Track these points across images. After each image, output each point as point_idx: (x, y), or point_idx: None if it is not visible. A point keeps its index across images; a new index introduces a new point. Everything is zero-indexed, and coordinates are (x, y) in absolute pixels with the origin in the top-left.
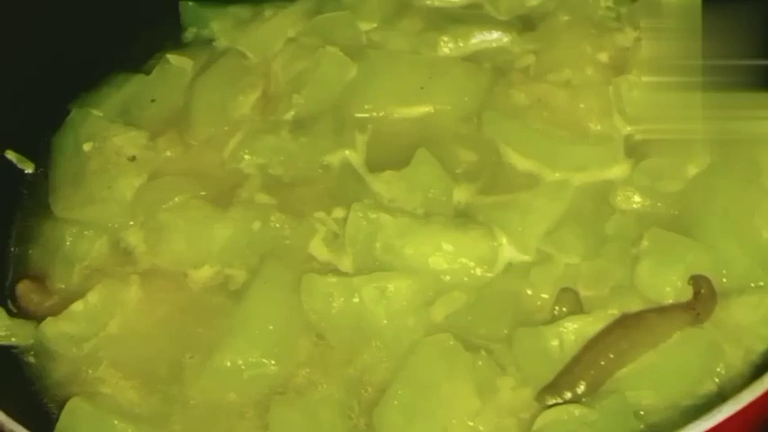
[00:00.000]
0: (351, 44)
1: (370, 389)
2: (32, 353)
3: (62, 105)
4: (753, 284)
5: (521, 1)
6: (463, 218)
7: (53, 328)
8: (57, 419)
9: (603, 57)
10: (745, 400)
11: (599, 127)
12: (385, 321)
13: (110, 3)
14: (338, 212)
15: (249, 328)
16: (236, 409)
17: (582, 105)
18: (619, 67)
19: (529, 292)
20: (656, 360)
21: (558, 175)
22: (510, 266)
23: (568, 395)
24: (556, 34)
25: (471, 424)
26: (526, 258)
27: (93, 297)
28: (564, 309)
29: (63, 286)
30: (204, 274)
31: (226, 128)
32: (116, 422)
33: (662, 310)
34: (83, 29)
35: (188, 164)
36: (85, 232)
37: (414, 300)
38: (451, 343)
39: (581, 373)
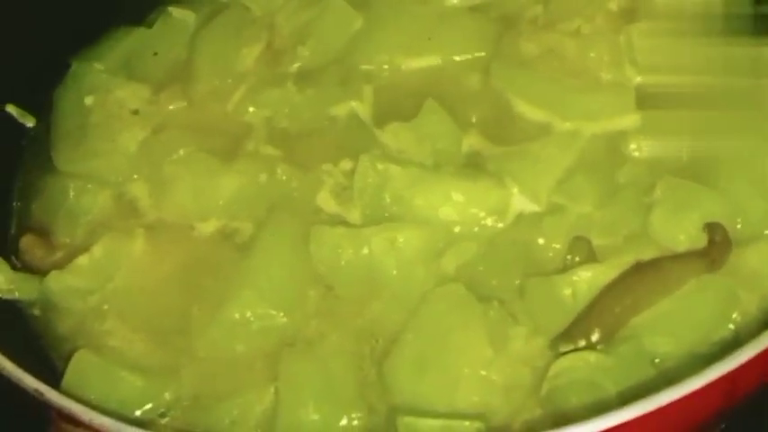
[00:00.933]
0: None
1: (380, 340)
2: (37, 306)
3: (63, 59)
4: (767, 231)
5: None
6: (473, 168)
7: (58, 282)
8: (63, 373)
9: (614, 5)
10: (761, 345)
11: (610, 76)
12: (395, 272)
13: None
14: (346, 164)
15: (257, 279)
16: (245, 361)
17: (592, 54)
18: (629, 16)
19: (541, 241)
20: (672, 307)
21: (568, 124)
22: (521, 216)
23: (582, 343)
24: None
25: (484, 373)
26: (537, 208)
27: (98, 250)
28: (577, 258)
29: (67, 240)
30: (210, 226)
31: (230, 80)
32: (124, 373)
33: (677, 258)
34: None
35: (192, 117)
36: (89, 186)
37: (424, 250)
38: (463, 293)
39: (595, 320)
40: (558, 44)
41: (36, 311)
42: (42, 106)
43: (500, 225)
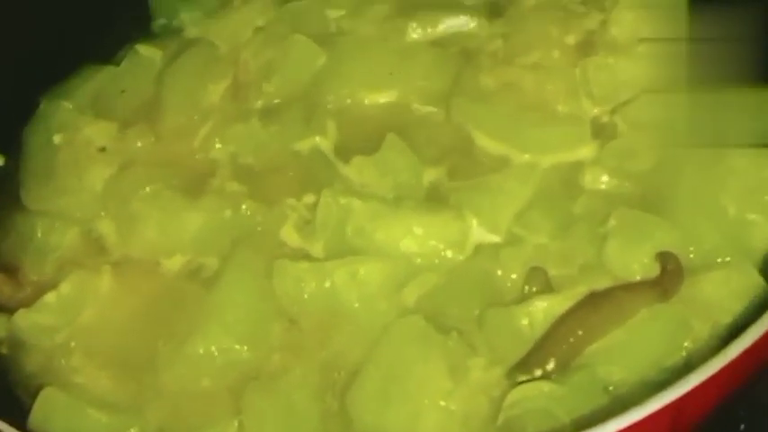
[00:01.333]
0: (320, 32)
1: (343, 372)
2: (5, 344)
3: (32, 97)
4: (719, 260)
5: None
6: (433, 201)
7: (26, 320)
8: (30, 410)
9: (570, 39)
10: (710, 371)
11: (566, 108)
12: (357, 305)
13: None
14: (309, 198)
15: (222, 314)
16: (209, 395)
17: (549, 87)
18: (585, 50)
19: (499, 272)
20: (625, 336)
21: (526, 156)
22: (480, 248)
23: (539, 372)
24: (523, 18)
25: (443, 404)
26: (496, 239)
27: (65, 288)
28: (534, 288)
29: (35, 278)
30: (177, 262)
31: (196, 117)
32: (90, 410)
33: (629, 287)
34: (52, 20)
35: (159, 154)
36: (57, 224)
37: (385, 283)
38: (422, 325)
39: (550, 349)
40: (517, 78)
41: (3, 349)
42: (11, 144)
43: (460, 257)
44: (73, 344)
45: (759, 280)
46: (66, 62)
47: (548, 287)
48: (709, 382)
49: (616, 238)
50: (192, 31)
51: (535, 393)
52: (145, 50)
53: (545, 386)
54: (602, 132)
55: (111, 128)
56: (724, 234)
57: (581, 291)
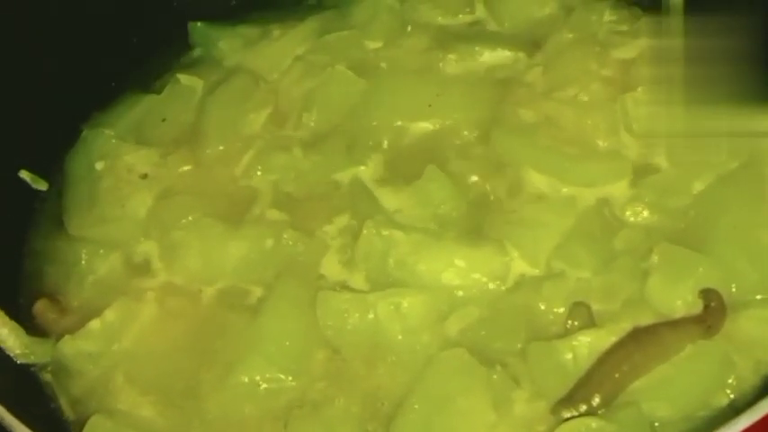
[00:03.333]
0: (359, 63)
1: (386, 403)
2: (49, 370)
3: (75, 125)
4: (761, 297)
5: (525, 18)
6: (474, 233)
7: (71, 347)
8: None
9: (608, 73)
10: (760, 412)
11: (606, 143)
12: (400, 337)
13: (120, 24)
14: (350, 229)
15: (266, 344)
16: (253, 423)
17: (589, 122)
18: (624, 84)
19: (542, 306)
20: (670, 372)
21: (566, 190)
22: (522, 281)
23: (583, 408)
24: (561, 51)
25: None
26: (537, 273)
27: (110, 315)
28: (576, 323)
29: (78, 303)
30: (219, 290)
31: (237, 145)
32: None
33: (674, 324)
34: (94, 50)
35: (200, 180)
36: (100, 250)
37: (428, 315)
38: (466, 357)
39: (595, 385)
40: (556, 112)
41: (48, 375)
42: (54, 171)
43: (502, 289)
44: (116, 370)
45: None
46: (107, 90)
47: (591, 322)
48: (760, 423)
49: (658, 273)
50: (231, 61)
51: (583, 430)
52: (186, 80)
53: (593, 422)
54: (641, 167)
55: (152, 155)
56: (766, 271)
57: (624, 326)
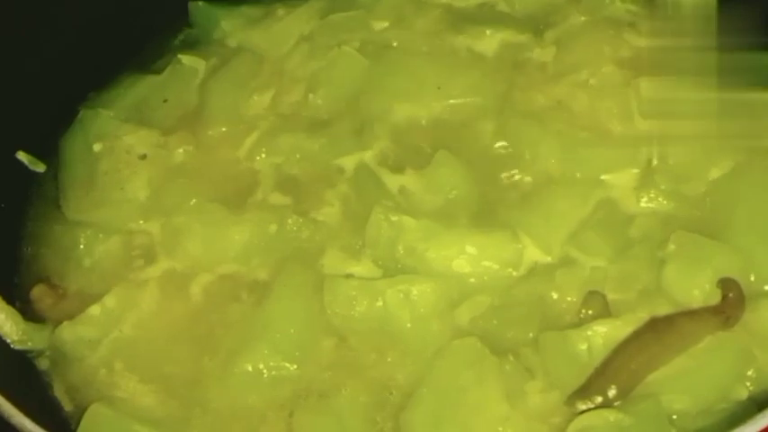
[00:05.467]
0: (365, 43)
1: (395, 392)
2: (47, 357)
3: (73, 106)
4: None
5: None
6: (486, 220)
7: (70, 333)
8: (74, 424)
9: (621, 57)
10: None
11: (620, 128)
12: (409, 325)
13: (120, 3)
14: (357, 214)
15: (270, 332)
16: (257, 413)
17: (602, 106)
18: (637, 68)
19: (554, 295)
20: (688, 364)
21: (580, 176)
22: (534, 269)
23: (599, 399)
24: (573, 34)
25: (500, 429)
26: (550, 261)
27: (109, 300)
28: (590, 312)
29: (77, 289)
30: (221, 276)
31: (241, 126)
32: (137, 426)
33: (692, 314)
34: (93, 30)
35: (201, 162)
36: (99, 235)
37: (438, 303)
38: (478, 347)
39: (612, 377)
40: (568, 96)
41: (46, 362)
42: (52, 153)
43: (514, 276)
44: (116, 357)
45: None
46: (107, 71)
47: (606, 312)
48: None
49: (675, 262)
50: (233, 41)
51: (600, 422)
52: (188, 60)
53: (611, 415)
54: (657, 153)
55: (151, 135)
56: None
57: (641, 316)
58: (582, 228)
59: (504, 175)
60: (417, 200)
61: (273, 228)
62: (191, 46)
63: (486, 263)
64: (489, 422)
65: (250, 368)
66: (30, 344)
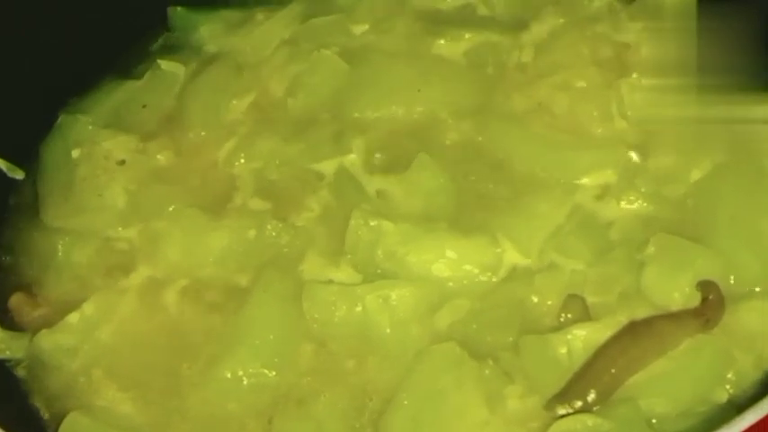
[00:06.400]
0: (345, 47)
1: (374, 398)
2: (25, 365)
3: (53, 113)
4: (760, 289)
5: (516, 1)
6: (465, 224)
7: (48, 341)
8: None
9: (602, 59)
10: (764, 410)
11: (601, 130)
12: (389, 330)
13: (99, 9)
14: (336, 219)
15: (249, 338)
16: (236, 420)
17: (583, 109)
18: (618, 70)
19: (534, 298)
20: (667, 367)
21: (560, 179)
22: (514, 273)
23: (579, 404)
24: (553, 36)
25: None
26: (530, 264)
27: (88, 308)
28: (570, 315)
29: (55, 297)
30: (201, 282)
31: (220, 131)
32: None
33: (671, 317)
34: (72, 35)
35: (180, 168)
36: (77, 242)
37: (417, 308)
38: (457, 351)
39: (591, 380)
40: (548, 98)
41: (23, 370)
42: (31, 160)
43: (494, 281)
44: (95, 366)
45: None
46: (86, 76)
47: (586, 315)
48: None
49: (655, 265)
50: (212, 46)
51: (579, 427)
52: (167, 65)
53: (589, 420)
54: (637, 156)
55: (130, 141)
56: (765, 261)
57: (620, 319)
58: (561, 231)
59: (484, 178)
60: (397, 204)
61: (253, 233)
62: (170, 51)
63: (466, 267)
64: (469, 427)
65: (229, 375)
66: (8, 352)
